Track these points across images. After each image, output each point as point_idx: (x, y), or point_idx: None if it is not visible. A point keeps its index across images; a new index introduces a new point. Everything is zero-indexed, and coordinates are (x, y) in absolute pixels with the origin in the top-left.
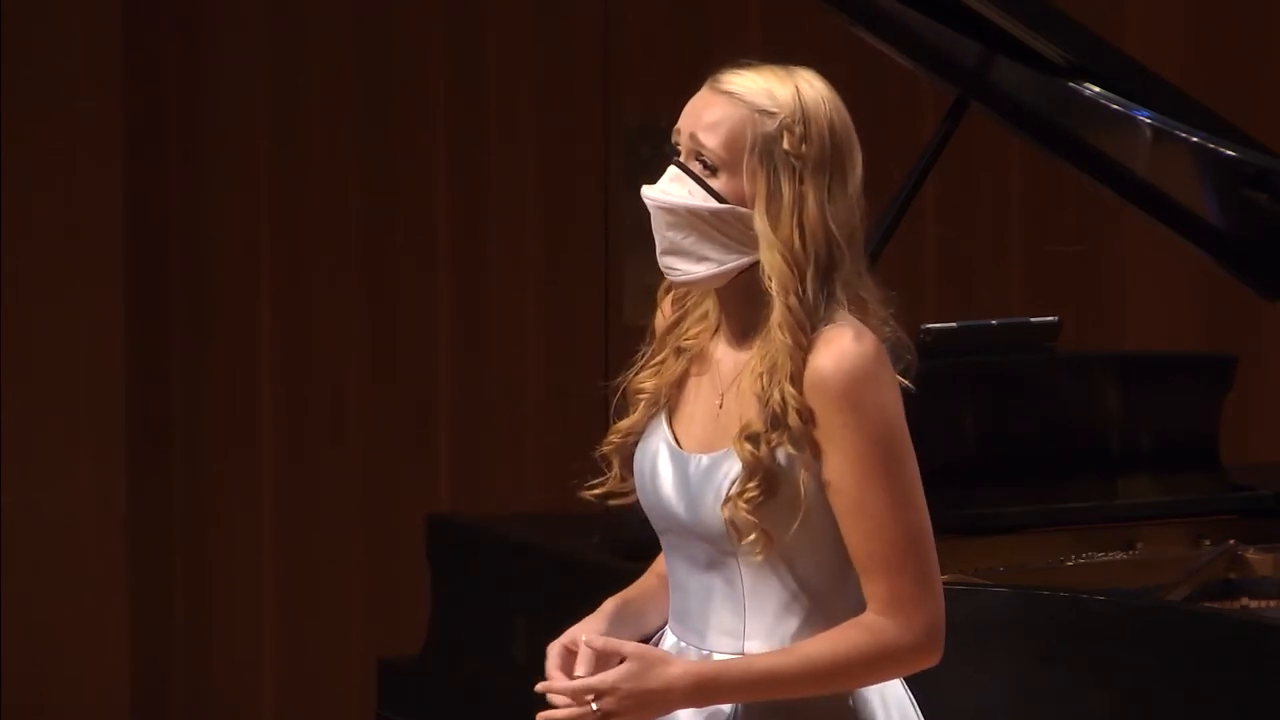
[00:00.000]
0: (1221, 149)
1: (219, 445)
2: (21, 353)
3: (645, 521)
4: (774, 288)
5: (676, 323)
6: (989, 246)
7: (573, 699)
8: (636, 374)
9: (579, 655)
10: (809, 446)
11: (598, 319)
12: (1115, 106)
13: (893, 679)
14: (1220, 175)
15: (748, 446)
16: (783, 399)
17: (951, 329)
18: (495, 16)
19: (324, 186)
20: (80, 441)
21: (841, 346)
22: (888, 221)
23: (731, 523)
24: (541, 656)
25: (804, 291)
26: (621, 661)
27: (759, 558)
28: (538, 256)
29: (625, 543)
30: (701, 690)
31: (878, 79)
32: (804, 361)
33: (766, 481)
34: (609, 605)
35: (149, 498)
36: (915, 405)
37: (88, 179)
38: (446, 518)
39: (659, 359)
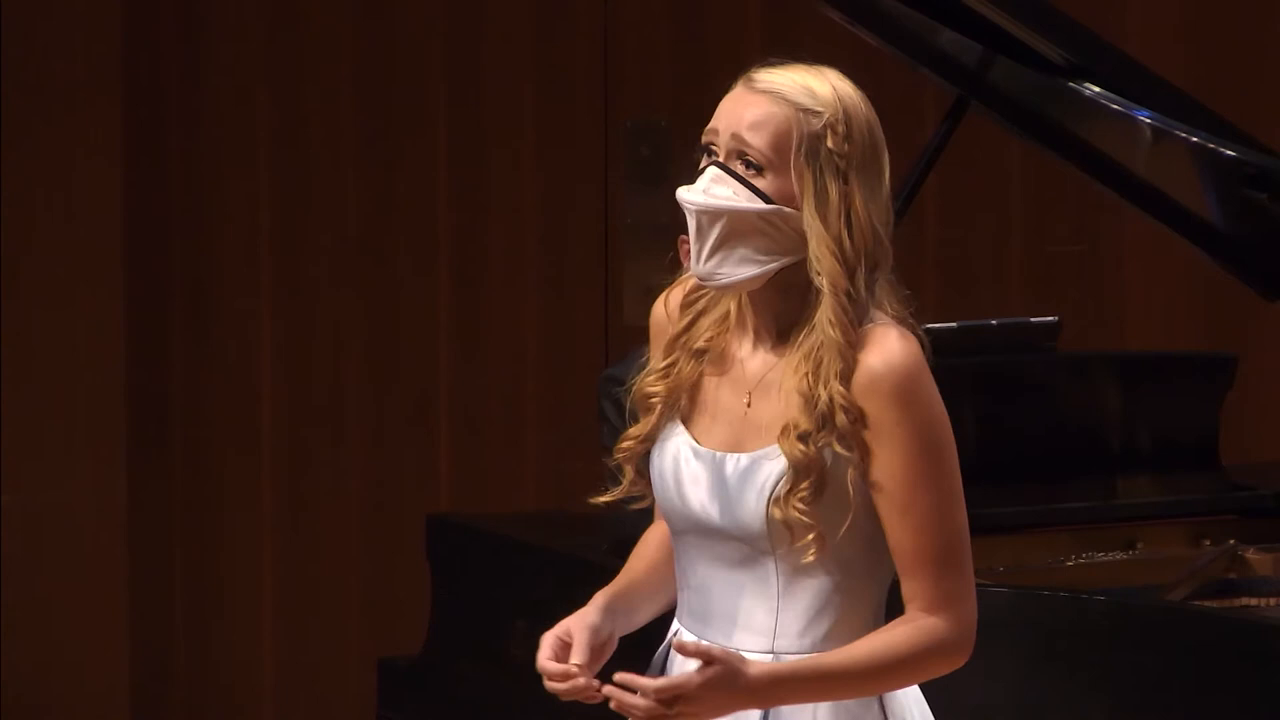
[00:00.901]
0: (1221, 149)
1: (219, 445)
2: (21, 353)
3: (645, 521)
4: (825, 285)
5: (688, 327)
6: (989, 246)
7: (654, 698)
8: (644, 379)
9: (575, 644)
10: (857, 446)
11: (598, 319)
12: (1115, 106)
13: (935, 676)
14: (1220, 175)
15: (799, 445)
16: (830, 397)
17: (951, 329)
18: (495, 16)
19: (324, 186)
20: (80, 441)
21: (889, 345)
22: None
23: (784, 523)
24: None
25: (854, 289)
26: (702, 666)
27: (811, 558)
28: (538, 256)
29: (625, 542)
30: (774, 691)
31: (878, 79)
32: (854, 360)
33: (817, 481)
34: (600, 599)
35: (149, 498)
36: None
37: (88, 179)
38: (446, 518)
39: (668, 362)
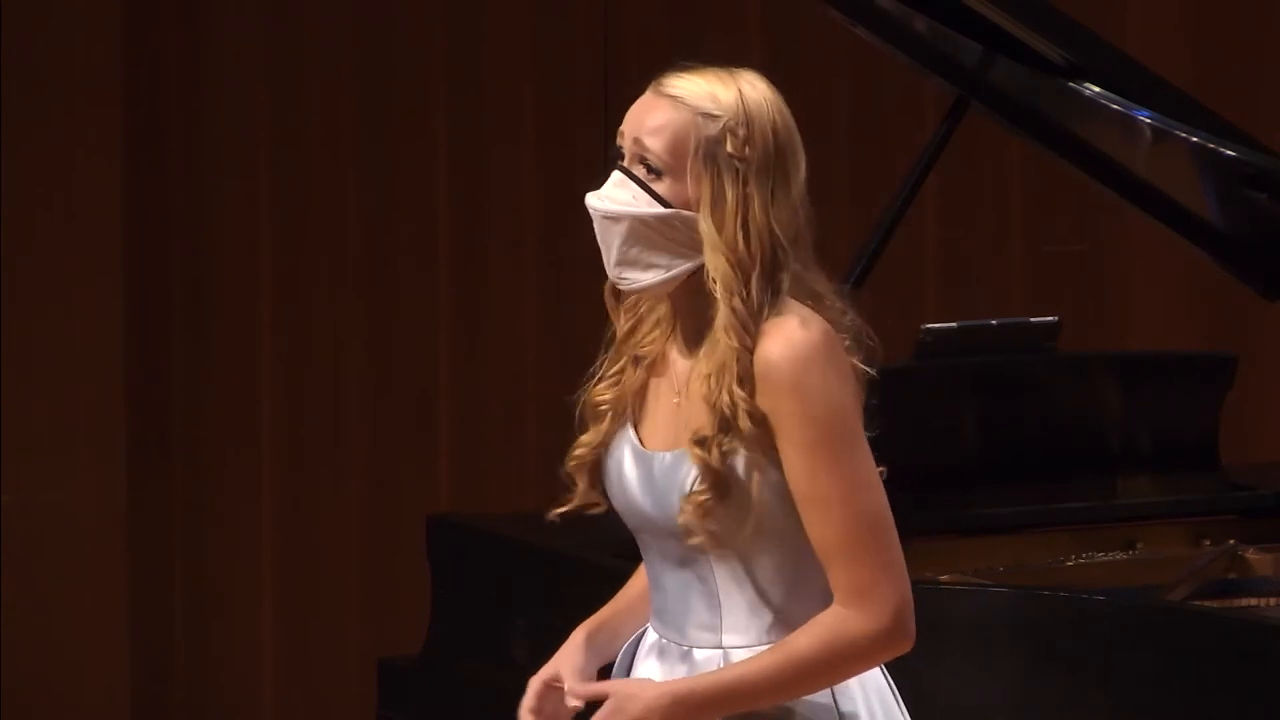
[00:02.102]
0: (1221, 149)
1: (219, 445)
2: (21, 353)
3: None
4: (718, 290)
5: (631, 331)
6: (989, 246)
7: None
8: (595, 387)
9: (568, 689)
10: (759, 448)
11: (598, 319)
12: (1115, 106)
13: (867, 669)
14: (1220, 175)
15: (697, 450)
16: (732, 401)
17: (951, 329)
18: (495, 16)
19: (324, 186)
20: (80, 441)
21: (788, 334)
22: (888, 221)
23: (682, 523)
24: (542, 656)
25: (748, 293)
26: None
27: (711, 555)
28: (538, 256)
29: (625, 543)
30: (678, 706)
31: (878, 79)
32: (750, 361)
33: (716, 485)
34: (580, 635)
35: (149, 498)
36: (916, 405)
37: (88, 179)
38: (446, 518)
39: (616, 369)
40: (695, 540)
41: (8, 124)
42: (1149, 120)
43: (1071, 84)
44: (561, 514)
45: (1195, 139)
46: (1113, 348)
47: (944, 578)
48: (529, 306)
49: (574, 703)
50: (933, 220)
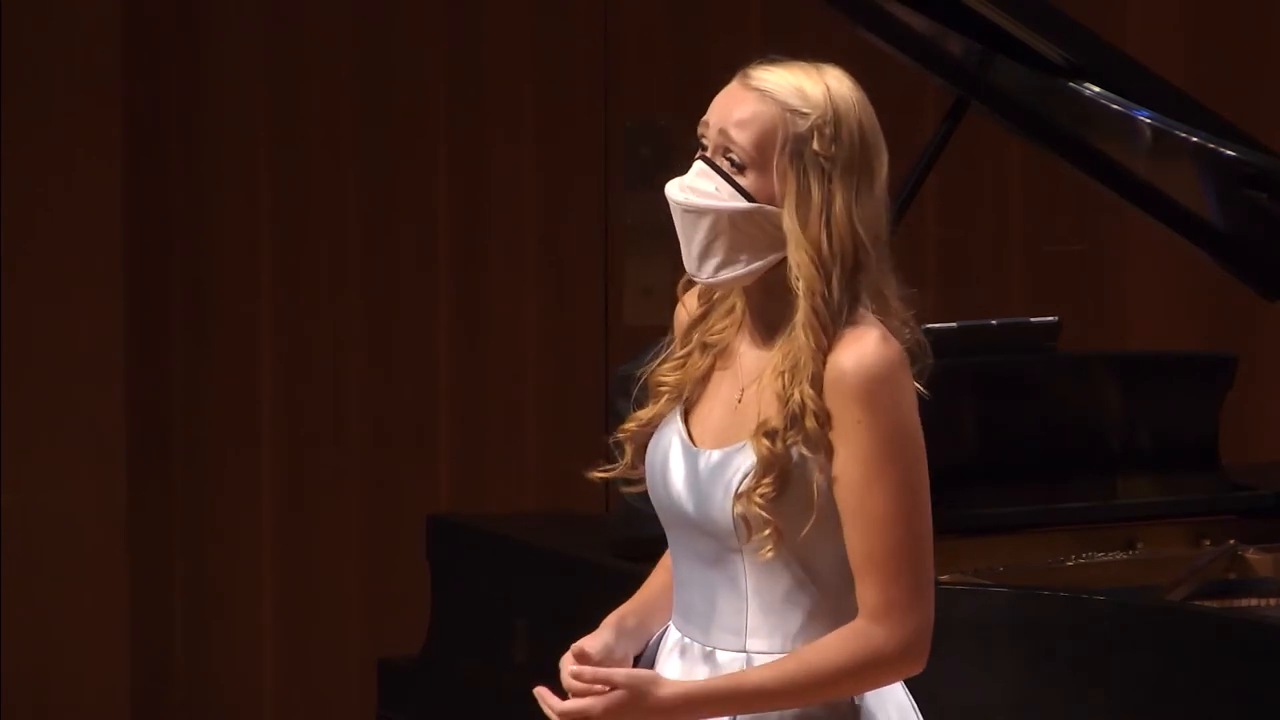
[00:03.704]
0: (1221, 149)
1: (219, 445)
2: (21, 352)
3: (646, 521)
4: (800, 288)
5: (702, 317)
6: (989, 246)
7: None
8: (659, 365)
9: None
10: (824, 449)
11: (597, 319)
12: (1115, 106)
13: (880, 686)
14: (1220, 175)
15: (765, 442)
16: (802, 400)
17: (951, 329)
18: (495, 16)
19: (324, 186)
20: (80, 441)
21: (865, 346)
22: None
23: (744, 518)
24: (542, 656)
25: (830, 293)
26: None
27: (769, 554)
28: (538, 256)
29: (625, 543)
30: (687, 710)
31: (878, 79)
32: (824, 363)
33: (780, 478)
34: (611, 620)
35: (149, 498)
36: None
37: (88, 179)
38: (446, 518)
39: (683, 353)
40: (763, 533)
41: (8, 124)
42: (1149, 120)
43: (1071, 84)
44: (604, 478)
45: (1195, 139)
46: (1113, 348)
47: (944, 578)
48: (529, 306)
49: (569, 675)
50: (933, 220)
